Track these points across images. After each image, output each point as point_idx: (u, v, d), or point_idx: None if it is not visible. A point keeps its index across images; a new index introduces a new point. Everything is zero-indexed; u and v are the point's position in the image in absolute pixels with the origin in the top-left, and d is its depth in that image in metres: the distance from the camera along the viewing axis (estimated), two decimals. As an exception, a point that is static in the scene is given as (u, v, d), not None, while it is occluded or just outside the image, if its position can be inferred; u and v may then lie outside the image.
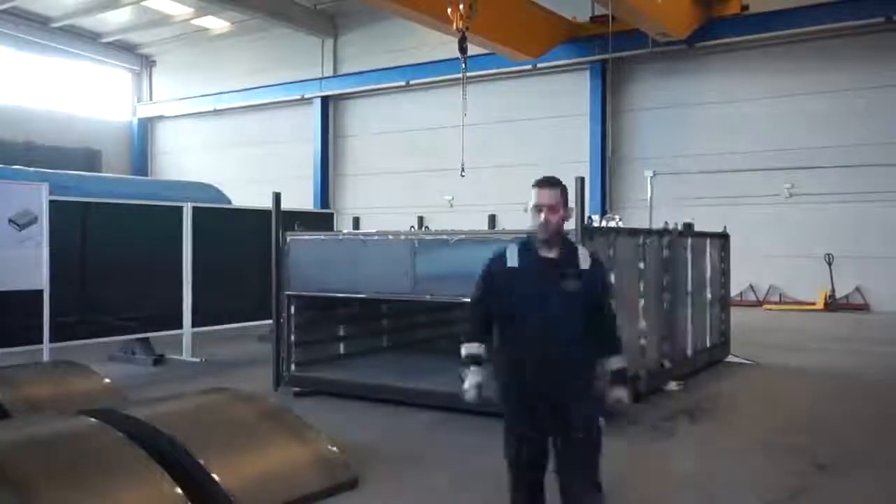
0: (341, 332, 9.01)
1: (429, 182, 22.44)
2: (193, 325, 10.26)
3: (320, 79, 24.75)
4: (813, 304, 16.94)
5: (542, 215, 3.50)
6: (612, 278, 6.79)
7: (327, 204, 24.23)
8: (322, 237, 8.41)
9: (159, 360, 10.02)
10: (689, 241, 8.93)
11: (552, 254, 3.57)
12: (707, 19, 17.91)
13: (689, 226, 9.12)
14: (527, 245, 3.61)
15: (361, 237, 8.34)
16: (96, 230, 9.33)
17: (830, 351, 11.28)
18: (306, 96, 24.91)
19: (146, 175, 28.71)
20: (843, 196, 17.13)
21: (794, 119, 17.74)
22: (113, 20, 26.22)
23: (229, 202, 13.78)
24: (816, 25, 17.02)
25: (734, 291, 14.38)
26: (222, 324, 10.88)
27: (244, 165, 26.14)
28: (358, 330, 9.22)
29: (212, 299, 10.41)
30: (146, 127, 29.83)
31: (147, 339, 10.18)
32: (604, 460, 3.52)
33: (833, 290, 16.84)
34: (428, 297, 7.36)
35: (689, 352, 8.75)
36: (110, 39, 27.80)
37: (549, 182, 3.58)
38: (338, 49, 24.97)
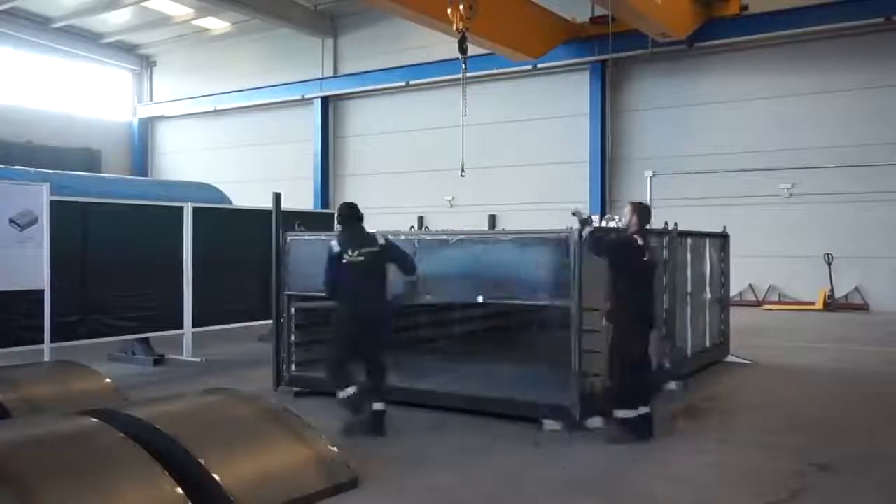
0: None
1: (429, 182, 22.43)
2: (193, 325, 10.27)
3: (320, 79, 24.76)
4: (812, 304, 16.95)
5: None
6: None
7: (327, 204, 24.22)
8: (322, 237, 8.39)
9: (159, 360, 10.03)
10: (689, 241, 8.93)
11: None
12: (707, 19, 17.91)
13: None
14: None
15: (361, 237, 8.32)
16: (97, 230, 9.33)
17: (830, 351, 11.28)
18: (306, 97, 24.92)
19: (146, 175, 28.72)
20: (842, 196, 17.14)
21: (794, 119, 17.74)
22: (113, 21, 26.23)
23: (229, 202, 13.78)
24: (816, 25, 17.03)
25: (734, 291, 14.40)
26: (222, 324, 10.88)
27: (244, 165, 26.15)
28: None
29: (212, 299, 10.42)
30: (146, 127, 29.84)
31: (147, 339, 10.18)
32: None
33: (832, 290, 16.85)
34: (428, 297, 7.37)
35: (689, 352, 8.76)
36: (111, 40, 27.80)
37: None
38: (338, 49, 24.98)
